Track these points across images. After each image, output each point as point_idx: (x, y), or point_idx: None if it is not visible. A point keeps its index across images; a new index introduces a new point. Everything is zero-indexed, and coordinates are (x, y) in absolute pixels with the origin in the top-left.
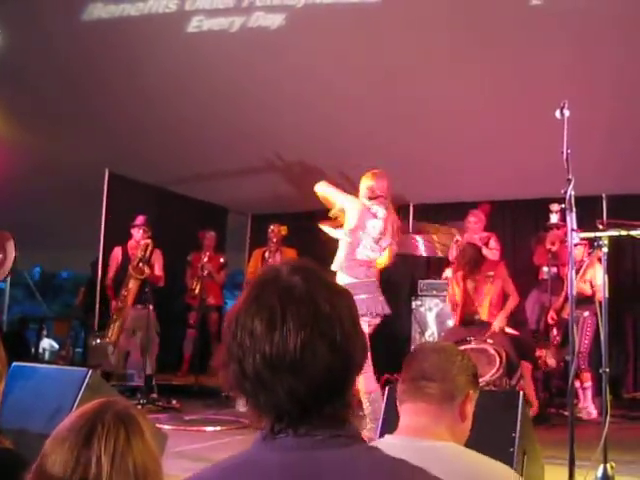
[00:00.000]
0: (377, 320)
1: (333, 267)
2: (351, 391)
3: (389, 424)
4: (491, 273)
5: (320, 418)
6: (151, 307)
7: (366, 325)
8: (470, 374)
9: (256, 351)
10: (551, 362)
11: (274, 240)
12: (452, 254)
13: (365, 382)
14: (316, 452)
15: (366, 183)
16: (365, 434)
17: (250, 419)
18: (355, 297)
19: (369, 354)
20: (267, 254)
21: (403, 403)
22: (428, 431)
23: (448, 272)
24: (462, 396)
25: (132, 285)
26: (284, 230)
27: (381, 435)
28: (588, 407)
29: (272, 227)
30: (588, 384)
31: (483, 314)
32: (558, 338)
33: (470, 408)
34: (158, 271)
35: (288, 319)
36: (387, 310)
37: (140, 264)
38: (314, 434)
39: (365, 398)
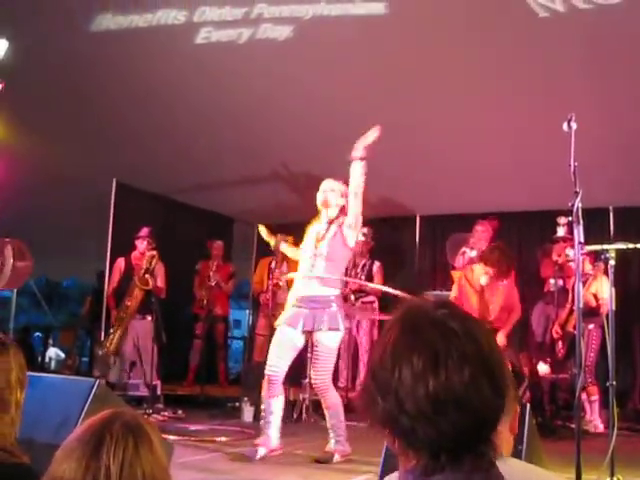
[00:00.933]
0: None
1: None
2: (497, 432)
3: None
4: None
5: (474, 457)
6: (149, 318)
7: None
8: (515, 388)
9: (418, 386)
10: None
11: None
12: (459, 264)
13: (329, 395)
14: None
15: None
16: (330, 448)
17: (398, 457)
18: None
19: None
20: (273, 264)
21: None
22: None
23: (458, 274)
24: (513, 410)
25: (136, 295)
26: (290, 240)
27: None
28: (595, 420)
29: (278, 237)
30: (595, 397)
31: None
32: (563, 351)
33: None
34: (160, 283)
35: (453, 355)
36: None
37: (146, 275)
38: (470, 475)
39: (327, 412)
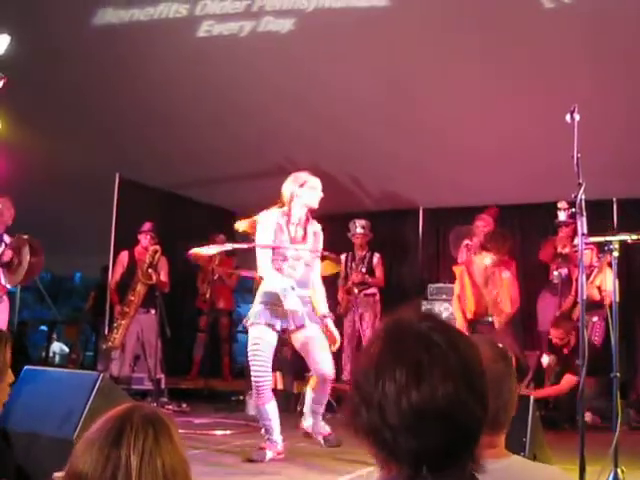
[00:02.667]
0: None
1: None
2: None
3: None
4: (508, 273)
5: (456, 469)
6: (153, 312)
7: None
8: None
9: (401, 399)
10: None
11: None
12: (462, 257)
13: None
14: None
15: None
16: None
17: (379, 467)
18: None
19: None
20: None
21: None
22: (491, 448)
23: (459, 270)
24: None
25: (139, 290)
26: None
27: None
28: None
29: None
30: None
31: (505, 306)
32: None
33: None
34: (164, 277)
35: (436, 368)
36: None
37: (149, 270)
38: None
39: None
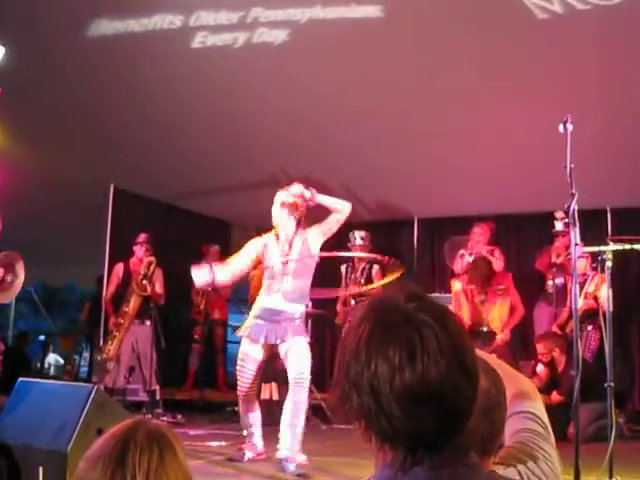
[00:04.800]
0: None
1: None
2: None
3: None
4: (501, 287)
5: (451, 448)
6: (148, 323)
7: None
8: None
9: (395, 380)
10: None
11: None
12: (457, 267)
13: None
14: None
15: (279, 198)
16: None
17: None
18: None
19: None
20: None
21: None
22: None
23: (457, 285)
24: None
25: (134, 301)
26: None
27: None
28: None
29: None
30: None
31: (493, 326)
32: None
33: None
34: (159, 289)
35: (429, 348)
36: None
37: (143, 281)
38: (447, 466)
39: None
